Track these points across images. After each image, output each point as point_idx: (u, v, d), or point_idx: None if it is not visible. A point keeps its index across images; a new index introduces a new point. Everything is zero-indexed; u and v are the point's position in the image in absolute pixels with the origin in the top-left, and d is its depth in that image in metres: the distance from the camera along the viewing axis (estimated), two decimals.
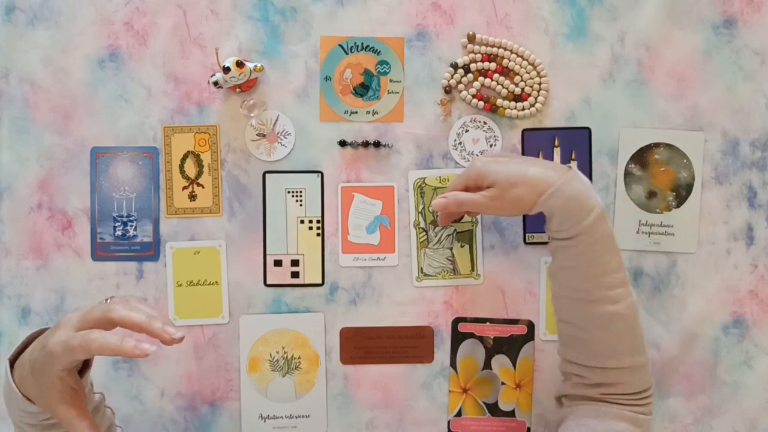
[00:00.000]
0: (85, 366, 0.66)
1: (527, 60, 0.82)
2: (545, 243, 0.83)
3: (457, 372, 0.84)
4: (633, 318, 0.70)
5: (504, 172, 0.70)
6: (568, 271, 0.71)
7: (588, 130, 0.83)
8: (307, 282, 0.83)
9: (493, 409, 0.84)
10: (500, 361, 0.84)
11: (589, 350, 0.71)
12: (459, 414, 0.84)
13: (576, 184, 0.69)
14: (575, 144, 0.83)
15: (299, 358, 0.83)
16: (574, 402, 0.72)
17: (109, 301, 0.63)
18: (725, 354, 0.83)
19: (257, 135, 0.83)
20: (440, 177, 0.83)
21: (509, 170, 0.71)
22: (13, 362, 0.63)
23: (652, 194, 0.84)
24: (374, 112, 0.83)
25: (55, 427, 0.65)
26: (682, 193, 0.83)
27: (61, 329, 0.60)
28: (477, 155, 0.83)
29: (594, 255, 0.69)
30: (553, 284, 0.74)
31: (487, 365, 0.84)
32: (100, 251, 0.83)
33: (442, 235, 0.83)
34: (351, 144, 0.83)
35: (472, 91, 0.83)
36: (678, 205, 0.83)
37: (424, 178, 0.83)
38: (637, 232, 0.83)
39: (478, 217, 0.83)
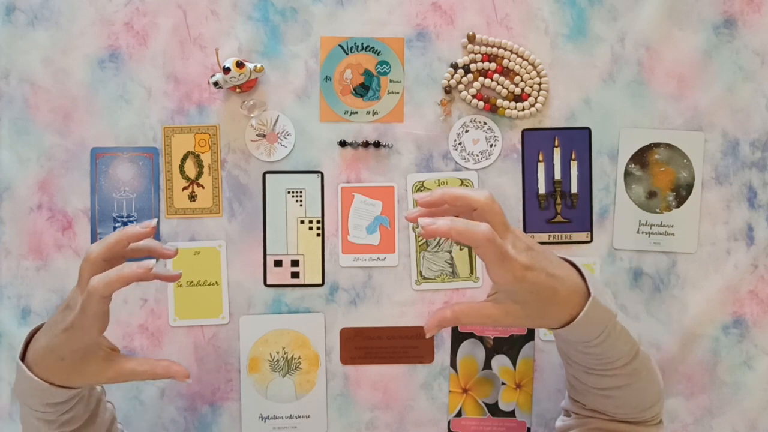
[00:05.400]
0: None
1: (527, 60, 0.82)
2: (544, 243, 0.83)
3: (457, 372, 0.84)
4: (647, 372, 0.66)
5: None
6: (580, 356, 0.65)
7: (588, 130, 0.83)
8: (307, 282, 0.83)
9: (493, 409, 0.84)
10: (500, 361, 0.84)
11: (609, 404, 0.68)
12: (459, 414, 0.84)
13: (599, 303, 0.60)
14: (575, 144, 0.83)
15: (299, 358, 0.83)
16: (582, 416, 0.71)
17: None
18: (725, 354, 0.83)
19: (257, 135, 0.83)
20: (439, 180, 0.83)
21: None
22: (22, 359, 0.63)
23: (652, 194, 0.83)
24: (374, 113, 0.83)
25: (70, 422, 0.65)
26: (682, 193, 0.83)
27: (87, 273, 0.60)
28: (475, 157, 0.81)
29: (607, 349, 0.63)
30: (561, 351, 0.69)
31: (487, 365, 0.84)
32: None
33: (441, 238, 0.83)
34: (351, 144, 0.83)
35: (472, 91, 0.83)
36: (678, 205, 0.83)
37: (423, 181, 0.83)
38: (637, 232, 0.83)
39: None
